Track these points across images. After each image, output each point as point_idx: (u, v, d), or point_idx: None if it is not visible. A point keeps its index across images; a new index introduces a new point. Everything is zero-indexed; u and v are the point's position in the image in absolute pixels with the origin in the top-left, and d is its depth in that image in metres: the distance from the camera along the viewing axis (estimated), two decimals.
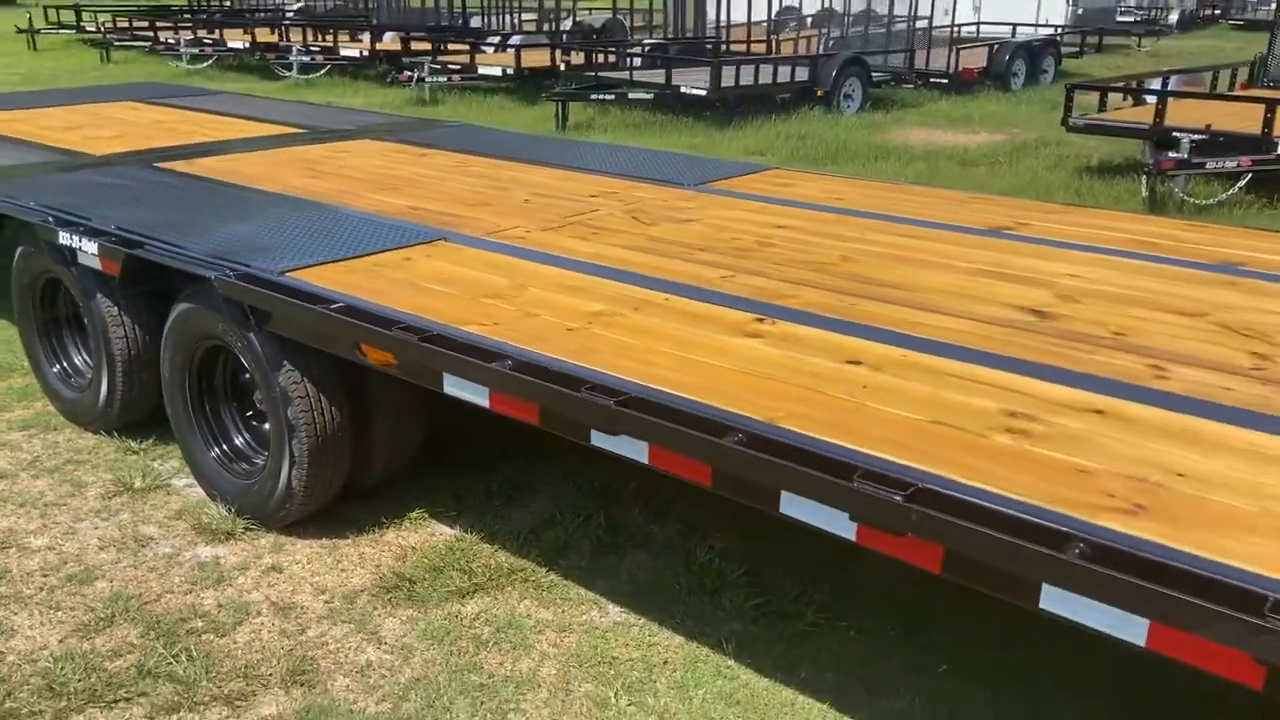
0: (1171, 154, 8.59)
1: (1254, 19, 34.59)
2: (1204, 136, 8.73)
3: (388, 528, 3.89)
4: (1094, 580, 1.86)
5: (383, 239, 3.89)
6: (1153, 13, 32.42)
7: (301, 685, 3.03)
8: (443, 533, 3.87)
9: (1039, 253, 3.80)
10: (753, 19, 17.58)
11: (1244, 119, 8.73)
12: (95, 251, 3.91)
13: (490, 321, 3.04)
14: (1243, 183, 8.59)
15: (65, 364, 4.71)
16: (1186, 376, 2.63)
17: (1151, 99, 10.49)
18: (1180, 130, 8.73)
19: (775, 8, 17.61)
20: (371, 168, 5.29)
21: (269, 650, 3.19)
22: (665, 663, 3.18)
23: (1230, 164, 8.46)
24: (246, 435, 3.98)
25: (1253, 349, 2.82)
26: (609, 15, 22.45)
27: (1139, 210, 8.26)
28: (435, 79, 15.13)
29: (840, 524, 2.22)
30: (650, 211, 4.45)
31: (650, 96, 13.17)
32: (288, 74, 17.41)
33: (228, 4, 29.03)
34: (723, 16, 17.58)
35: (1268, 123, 8.49)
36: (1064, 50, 18.82)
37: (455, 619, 3.36)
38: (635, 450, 2.55)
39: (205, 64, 19.36)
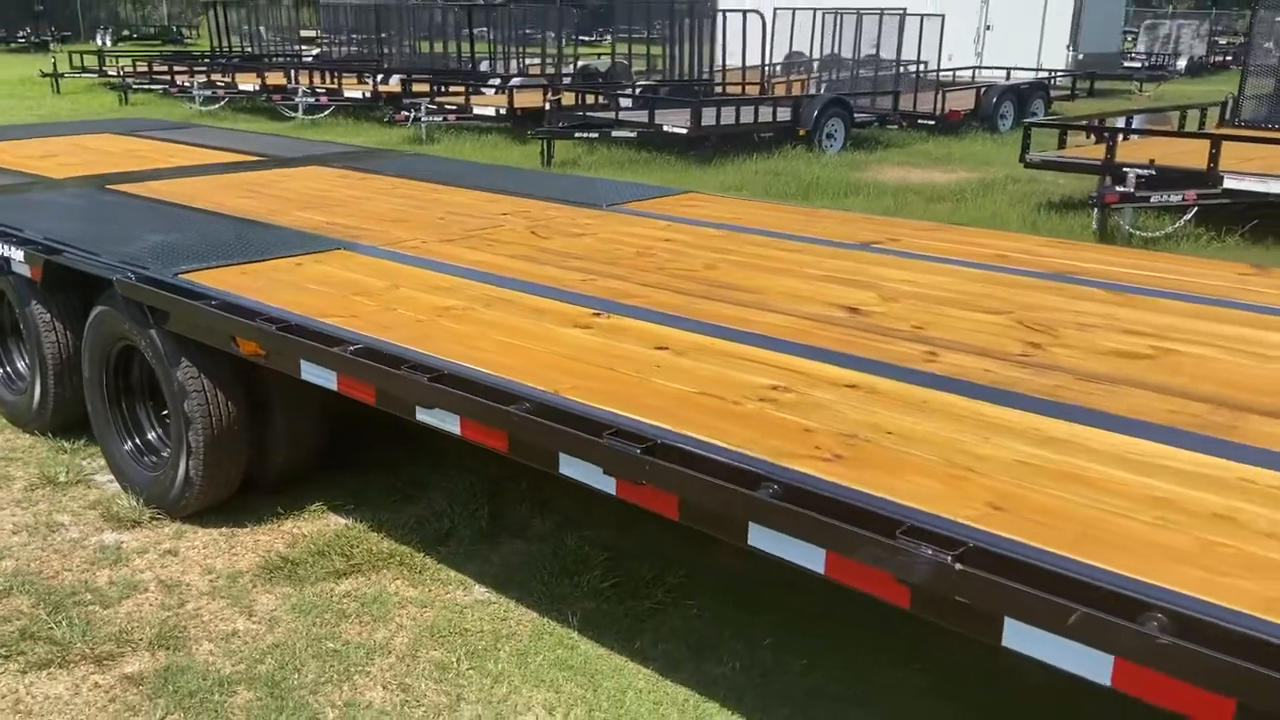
0: (1118, 188, 8.81)
1: (1264, 64, 34.86)
2: (1152, 172, 8.95)
3: (285, 518, 4.15)
4: (782, 516, 2.11)
5: (285, 247, 4.20)
6: (1164, 58, 32.72)
7: (167, 649, 3.29)
8: (335, 523, 4.12)
9: (889, 262, 4.06)
10: (764, 63, 17.94)
11: (1192, 155, 8.95)
12: (22, 259, 4.23)
13: (349, 314, 3.32)
14: (1189, 216, 8.79)
15: (8, 369, 5.03)
16: (954, 360, 2.87)
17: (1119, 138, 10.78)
18: (1128, 165, 8.95)
19: (780, 53, 18.03)
20: (307, 189, 5.62)
21: (145, 620, 3.45)
22: (512, 635, 3.41)
23: (1175, 198, 8.67)
24: (157, 430, 4.27)
25: (1032, 340, 3.06)
26: (615, 60, 22.95)
27: (1089, 240, 8.48)
28: (431, 119, 15.58)
29: (600, 479, 2.47)
30: (551, 227, 4.74)
31: (634, 135, 13.53)
32: (294, 114, 17.95)
33: (248, 49, 29.83)
34: (727, 60, 18.00)
35: (1213, 158, 8.70)
36: (1056, 94, 19.08)
37: (326, 596, 3.61)
38: (449, 423, 2.81)
39: (217, 105, 19.95)
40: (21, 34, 44.75)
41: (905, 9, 16.36)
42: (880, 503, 2.04)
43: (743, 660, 3.27)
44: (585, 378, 2.75)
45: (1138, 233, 8.88)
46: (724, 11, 18.86)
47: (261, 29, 29.71)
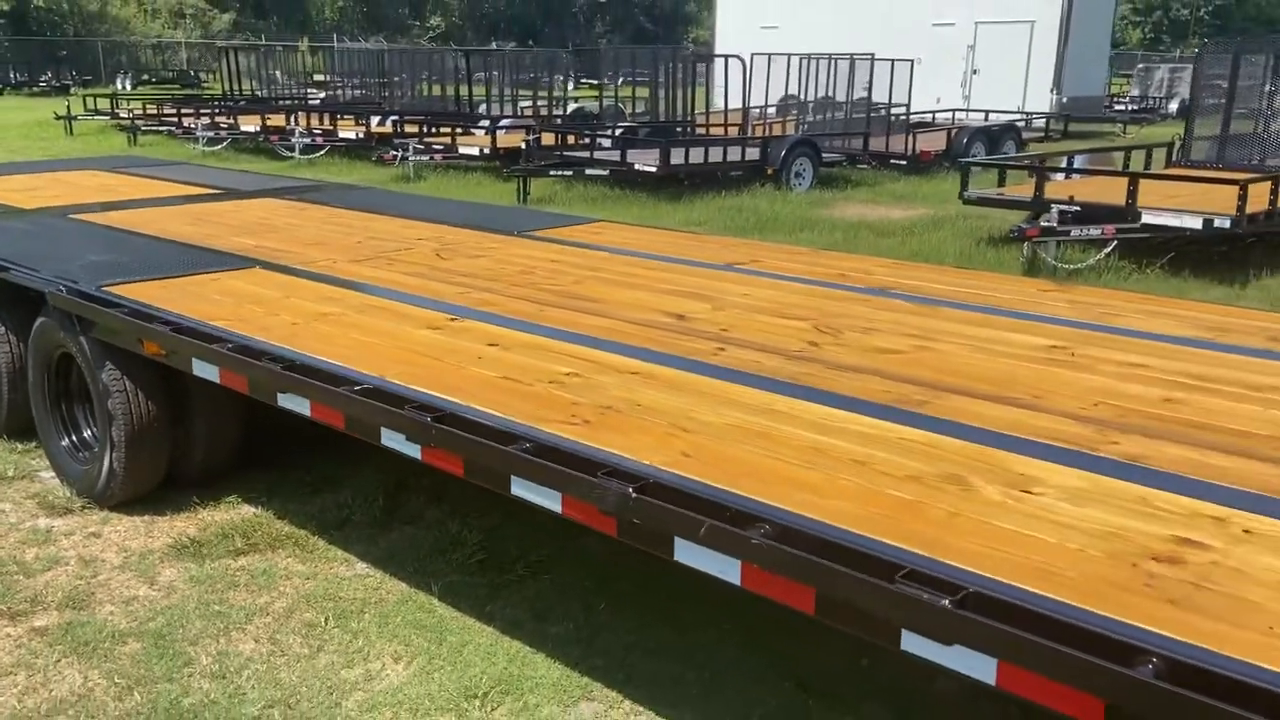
0: (1041, 222, 9.30)
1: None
2: (1076, 208, 9.44)
3: (201, 508, 4.63)
4: (532, 468, 2.59)
5: (205, 265, 4.72)
6: (1157, 101, 33.26)
7: (74, 609, 3.78)
8: (245, 512, 4.61)
9: (739, 279, 4.55)
10: (745, 105, 18.53)
11: (1113, 191, 9.43)
12: None
13: (238, 319, 3.83)
14: (1109, 249, 9.26)
15: None
16: (737, 354, 3.36)
17: (1059, 175, 11.28)
18: (1053, 202, 9.44)
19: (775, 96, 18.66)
20: (249, 218, 6.16)
21: (59, 587, 3.94)
22: (380, 601, 3.88)
23: (1094, 231, 9.15)
24: (91, 429, 4.78)
25: (814, 340, 3.54)
26: (609, 103, 23.66)
27: (1017, 272, 8.94)
28: (419, 158, 16.21)
29: (407, 445, 2.95)
30: (456, 250, 5.26)
31: (607, 173, 14.11)
32: (291, 154, 18.63)
33: (260, 93, 30.69)
34: (725, 103, 18.60)
35: (1131, 195, 9.17)
36: (1031, 135, 19.61)
37: (222, 570, 4.10)
38: (302, 406, 3.31)
39: (220, 146, 20.68)
40: (43, 79, 45.94)
41: (874, 54, 16.94)
42: (601, 454, 2.52)
43: (577, 621, 3.73)
44: (413, 366, 3.24)
45: (1062, 265, 9.35)
46: (712, 57, 19.54)
47: (278, 73, 30.63)
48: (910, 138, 16.88)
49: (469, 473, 2.83)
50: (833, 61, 16.98)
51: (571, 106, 24.04)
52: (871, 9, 29.02)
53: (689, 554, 2.30)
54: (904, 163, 16.95)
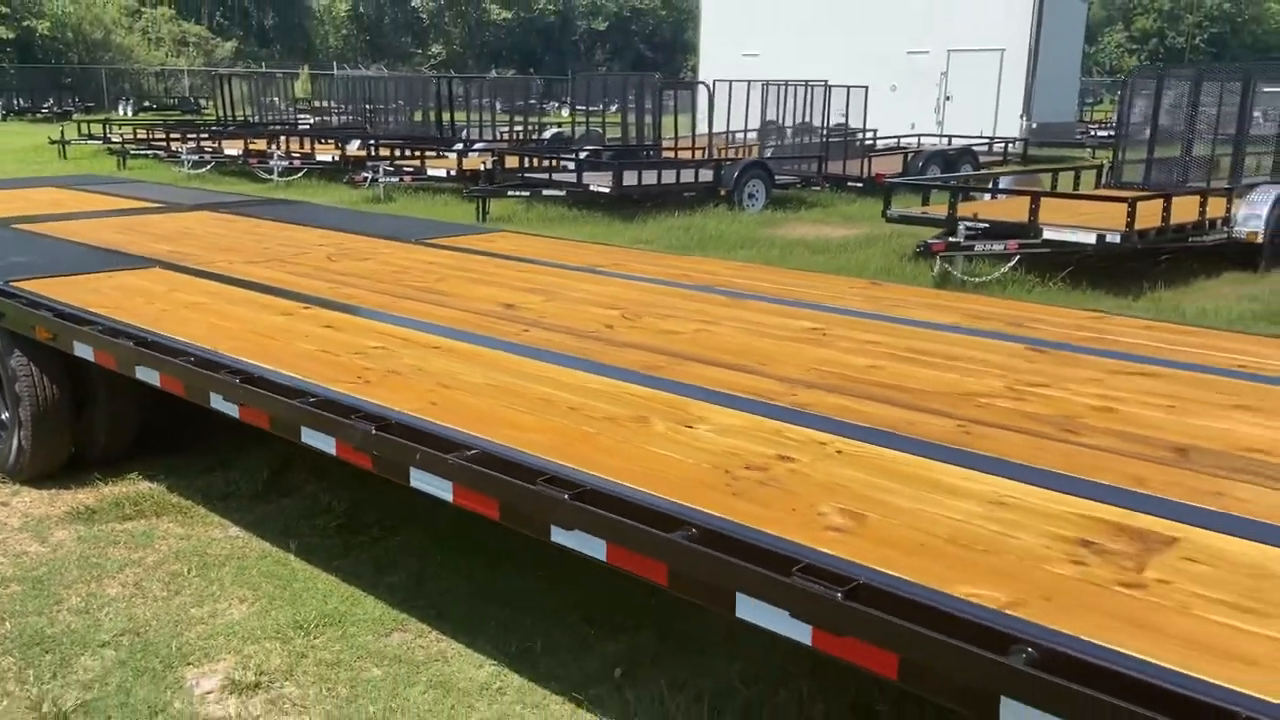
0: (950, 238, 9.83)
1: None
2: (985, 224, 9.97)
3: (103, 483, 5.14)
4: (315, 419, 3.10)
5: (111, 265, 5.27)
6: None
7: None
8: (142, 486, 5.12)
9: (588, 278, 5.08)
10: (710, 130, 19.11)
11: (1021, 210, 9.96)
12: None
13: (117, 308, 4.37)
14: (1013, 263, 9.78)
15: None
16: (540, 335, 3.88)
17: (987, 195, 11.83)
18: (961, 219, 9.98)
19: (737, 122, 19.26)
20: (174, 228, 6.71)
21: None
22: (241, 557, 4.39)
23: (998, 246, 9.67)
24: (5, 411, 5.30)
25: (611, 324, 4.06)
26: (587, 128, 24.29)
27: (928, 284, 9.45)
28: (389, 179, 16.81)
29: (225, 406, 3.48)
30: (348, 254, 5.79)
31: (564, 193, 14.69)
32: (269, 177, 19.26)
33: (254, 119, 31.39)
34: (711, 128, 19.20)
35: (1033, 212, 9.70)
36: (989, 159, 20.16)
37: (108, 531, 4.61)
38: (151, 377, 3.83)
39: (204, 169, 21.33)
40: (46, 105, 46.79)
41: (827, 80, 17.53)
42: (362, 403, 3.04)
43: (410, 571, 4.23)
44: (246, 342, 3.77)
45: (970, 279, 9.87)
46: (679, 84, 20.12)
47: (276, 99, 31.38)
48: (866, 161, 17.43)
49: (274, 426, 3.35)
50: (789, 88, 17.56)
51: (550, 131, 24.70)
52: (848, 37, 29.68)
53: (419, 479, 2.82)
54: (860, 185, 17.49)
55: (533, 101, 25.61)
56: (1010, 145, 20.78)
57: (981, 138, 21.71)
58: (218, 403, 3.52)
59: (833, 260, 11.46)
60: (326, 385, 3.23)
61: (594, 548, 2.38)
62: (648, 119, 19.00)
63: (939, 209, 11.18)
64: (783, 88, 17.76)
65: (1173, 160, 12.95)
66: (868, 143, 21.53)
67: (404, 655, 3.62)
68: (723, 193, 15.52)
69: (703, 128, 19.83)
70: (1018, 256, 9.75)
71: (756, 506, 2.29)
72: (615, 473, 2.49)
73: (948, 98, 28.86)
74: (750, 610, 2.09)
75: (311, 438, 3.15)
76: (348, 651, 3.64)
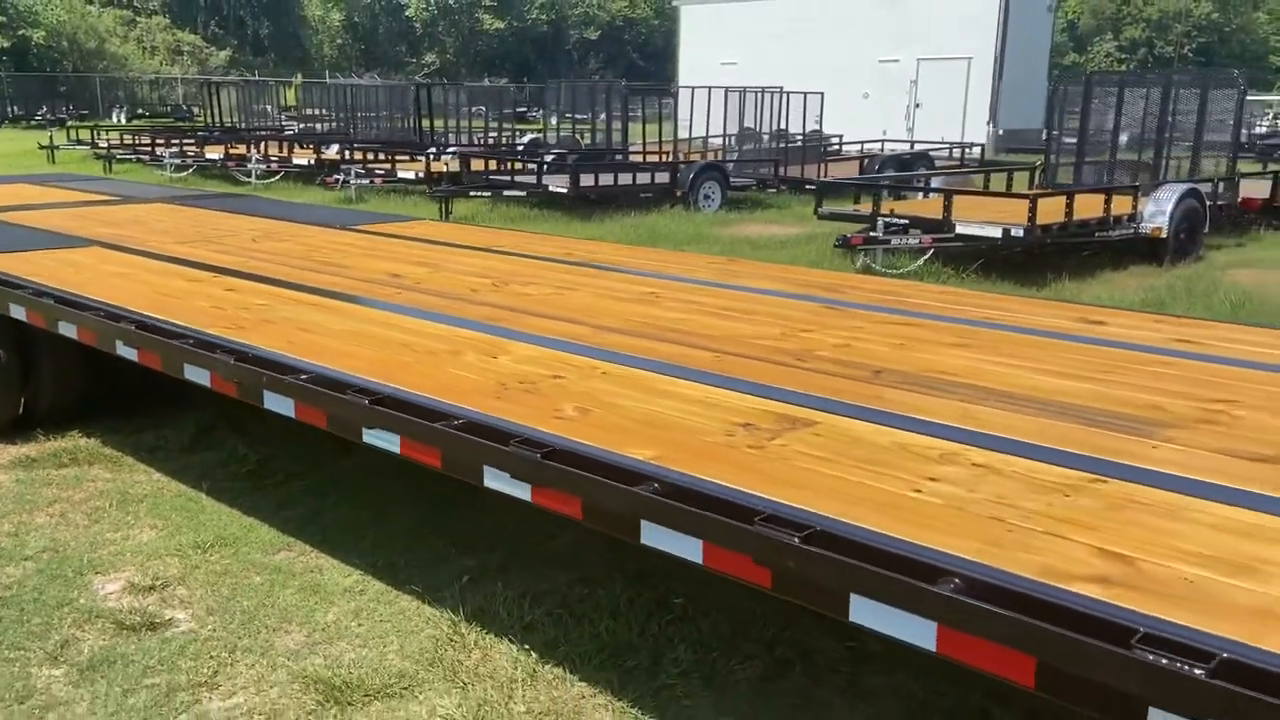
0: (871, 233, 10.45)
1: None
2: (905, 221, 10.60)
3: (46, 439, 5.73)
4: (193, 356, 3.70)
5: (55, 244, 5.87)
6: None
7: None
8: (82, 442, 5.71)
9: (485, 256, 5.69)
10: (674, 136, 19.74)
11: (935, 207, 10.59)
12: None
13: (51, 277, 4.97)
14: (927, 255, 10.41)
15: None
16: (412, 297, 4.48)
17: (919, 195, 12.45)
18: (880, 215, 10.61)
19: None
20: (125, 216, 7.33)
21: None
22: (158, 496, 4.97)
23: (913, 241, 10.29)
24: None
25: (476, 289, 4.67)
26: (566, 134, 24.94)
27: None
28: (360, 181, 17.44)
29: (125, 350, 4.07)
30: (272, 237, 6.40)
31: (524, 194, 15.32)
32: (248, 179, 19.88)
33: (241, 125, 32.01)
34: (689, 133, 19.83)
35: (947, 209, 10.33)
36: (945, 163, 20.79)
37: (44, 476, 5.20)
38: (70, 331, 4.43)
39: (186, 172, 21.95)
40: (40, 113, 47.40)
41: (782, 87, 18.18)
42: (235, 344, 3.64)
43: (308, 507, 4.82)
44: (151, 301, 4.38)
45: (889, 271, 10.48)
46: (648, 91, 20.76)
47: (269, 107, 32.06)
48: (823, 165, 18.05)
49: (164, 366, 3.94)
50: (747, 94, 18.20)
51: (528, 137, 25.36)
52: (822, 46, 30.43)
53: (270, 400, 3.42)
54: (815, 188, 18.09)
55: (522, 109, 26.25)
56: (968, 150, 21.38)
57: (942, 143, 22.35)
58: (121, 349, 4.12)
59: (770, 255, 12.07)
60: (205, 330, 3.83)
61: (389, 442, 2.98)
62: (616, 124, 19.65)
63: (867, 207, 11.80)
64: (742, 94, 18.39)
65: (1102, 163, 13.58)
66: (832, 147, 22.22)
67: (284, 567, 4.22)
68: (679, 194, 16.14)
69: (684, 132, 20.51)
70: (932, 250, 10.36)
71: (513, 405, 2.90)
72: (414, 387, 3.09)
73: (918, 105, 29.61)
74: (491, 478, 2.69)
75: (192, 373, 3.75)
76: (236, 565, 4.24)
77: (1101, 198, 10.63)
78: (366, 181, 17.61)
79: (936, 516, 2.13)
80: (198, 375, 3.71)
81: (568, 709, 3.23)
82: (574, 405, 2.90)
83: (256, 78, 47.63)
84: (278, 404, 3.37)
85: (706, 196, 16.40)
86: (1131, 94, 13.30)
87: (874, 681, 3.40)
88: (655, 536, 2.32)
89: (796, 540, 2.03)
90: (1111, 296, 9.58)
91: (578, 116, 23.09)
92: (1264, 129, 35.27)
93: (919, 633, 1.88)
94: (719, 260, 5.75)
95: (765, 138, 19.11)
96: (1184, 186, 11.20)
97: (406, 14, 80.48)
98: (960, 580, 1.86)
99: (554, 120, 22.62)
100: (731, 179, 16.80)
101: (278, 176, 19.97)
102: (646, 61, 78.91)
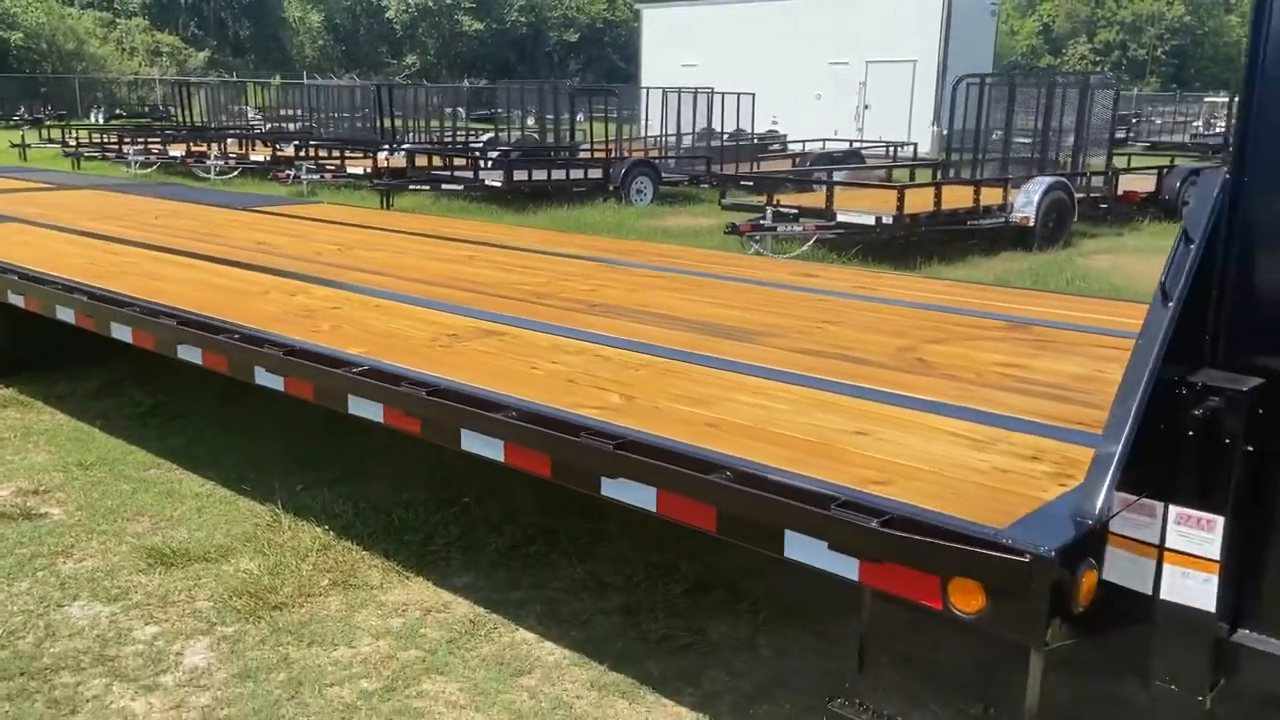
0: (761, 221, 11.37)
1: (1158, 141, 37.72)
2: (795, 210, 11.51)
3: None
4: (82, 307, 4.58)
5: None
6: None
7: None
8: (3, 392, 6.58)
9: (341, 229, 6.57)
10: (618, 135, 20.63)
11: (821, 198, 11.50)
12: None
13: None
14: (811, 242, 11.32)
15: None
16: (264, 258, 5.36)
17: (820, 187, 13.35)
18: (770, 205, 11.52)
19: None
20: (53, 200, 8.19)
21: None
22: (60, 430, 5.82)
23: (797, 229, 11.21)
24: None
25: (323, 252, 5.55)
26: (523, 134, 25.82)
27: None
28: (310, 177, 18.29)
29: (13, 298, 4.94)
30: (176, 216, 7.27)
31: (461, 188, 16.21)
32: (207, 175, 20.71)
33: (211, 124, 32.79)
34: (647, 132, 20.73)
35: (829, 199, 11.25)
36: (876, 162, 21.72)
37: None
38: None
39: (150, 169, 22.75)
40: (18, 113, 48.01)
41: (713, 88, 19.11)
42: (94, 289, 4.51)
43: (187, 438, 5.66)
44: (39, 260, 5.24)
45: (775, 256, 11.39)
46: (593, 91, 21.64)
47: (241, 106, 32.93)
48: (756, 163, 18.98)
49: (42, 310, 4.81)
50: (682, 94, 19.12)
51: (486, 136, 26.25)
52: (777, 49, 31.45)
53: (116, 330, 4.29)
54: (750, 184, 19.01)
55: (498, 110, 27.04)
56: (901, 149, 22.33)
57: (879, 142, 23.29)
58: (12, 300, 4.99)
59: (680, 241, 12.97)
60: (72, 278, 4.71)
61: (193, 355, 3.87)
62: (560, 123, 20.56)
63: (762, 199, 12.71)
64: (679, 94, 19.31)
65: (996, 159, 14.52)
66: (775, 145, 23.19)
67: (150, 479, 5.08)
68: (612, 188, 17.04)
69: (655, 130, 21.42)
70: (815, 237, 11.28)
71: (284, 325, 3.79)
72: (215, 312, 3.97)
73: (866, 106, 30.61)
74: (259, 376, 3.57)
75: (61, 313, 4.63)
76: (110, 477, 5.10)
77: (970, 190, 11.55)
78: (318, 177, 18.46)
79: (555, 387, 3.02)
80: (65, 315, 4.58)
81: (346, 568, 4.11)
82: (331, 325, 3.79)
83: (232, 78, 48.37)
84: (122, 334, 4.25)
85: (639, 191, 17.31)
86: (1023, 94, 14.23)
87: (601, 549, 4.29)
88: (359, 406, 3.21)
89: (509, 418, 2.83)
90: (969, 276, 10.51)
91: (547, 117, 24.02)
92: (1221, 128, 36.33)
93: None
94: (543, 233, 6.64)
95: (724, 137, 20.03)
96: (1051, 180, 12.14)
97: (387, 15, 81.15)
98: (616, 440, 2.66)
99: (516, 119, 23.60)
100: (664, 174, 17.68)
101: (235, 173, 20.80)
102: (627, 63, 79.72)
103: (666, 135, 19.78)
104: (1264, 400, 2.11)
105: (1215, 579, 2.15)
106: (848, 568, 2.14)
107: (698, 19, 34.36)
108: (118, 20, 65.33)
